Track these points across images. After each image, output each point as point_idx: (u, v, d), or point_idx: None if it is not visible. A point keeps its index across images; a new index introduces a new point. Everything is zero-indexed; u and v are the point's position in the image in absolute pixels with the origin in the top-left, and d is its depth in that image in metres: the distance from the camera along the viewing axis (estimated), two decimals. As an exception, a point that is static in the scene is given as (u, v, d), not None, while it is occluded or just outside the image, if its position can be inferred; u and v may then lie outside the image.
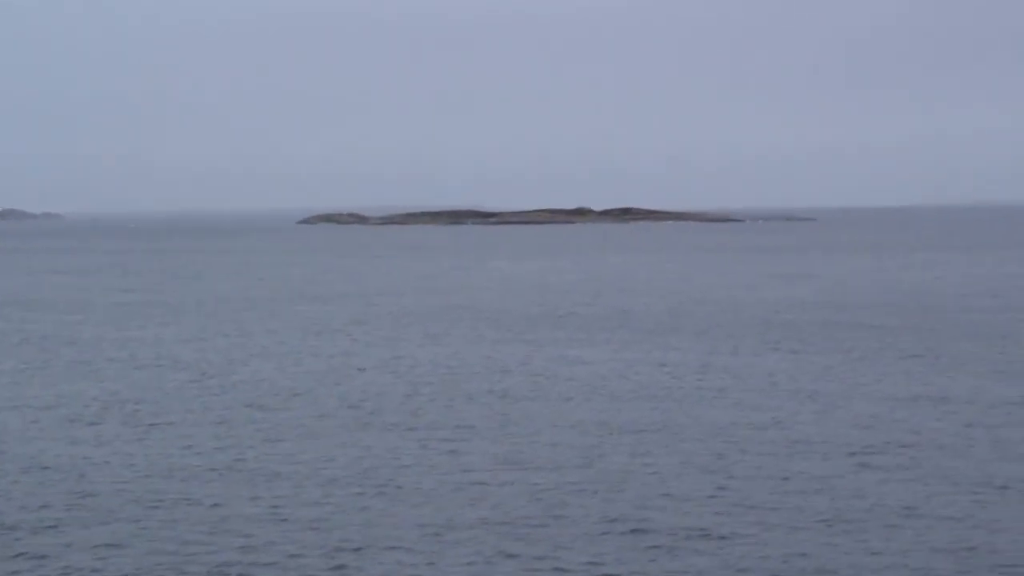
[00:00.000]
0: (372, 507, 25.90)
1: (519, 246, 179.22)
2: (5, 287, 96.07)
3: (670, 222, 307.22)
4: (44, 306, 76.95)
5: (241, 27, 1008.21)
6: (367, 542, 23.41)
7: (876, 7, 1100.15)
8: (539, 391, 40.84)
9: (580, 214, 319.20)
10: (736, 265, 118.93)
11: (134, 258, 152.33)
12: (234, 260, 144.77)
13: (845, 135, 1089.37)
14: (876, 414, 35.83)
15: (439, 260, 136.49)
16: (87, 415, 36.98)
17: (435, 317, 66.99)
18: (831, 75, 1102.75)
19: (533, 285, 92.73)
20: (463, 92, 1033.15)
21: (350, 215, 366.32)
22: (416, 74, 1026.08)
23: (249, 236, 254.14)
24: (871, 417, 35.32)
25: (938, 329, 58.30)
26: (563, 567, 22.00)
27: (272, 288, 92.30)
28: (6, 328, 63.00)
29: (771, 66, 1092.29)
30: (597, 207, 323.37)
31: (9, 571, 22.04)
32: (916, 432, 33.07)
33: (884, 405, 37.31)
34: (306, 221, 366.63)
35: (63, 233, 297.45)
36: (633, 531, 24.04)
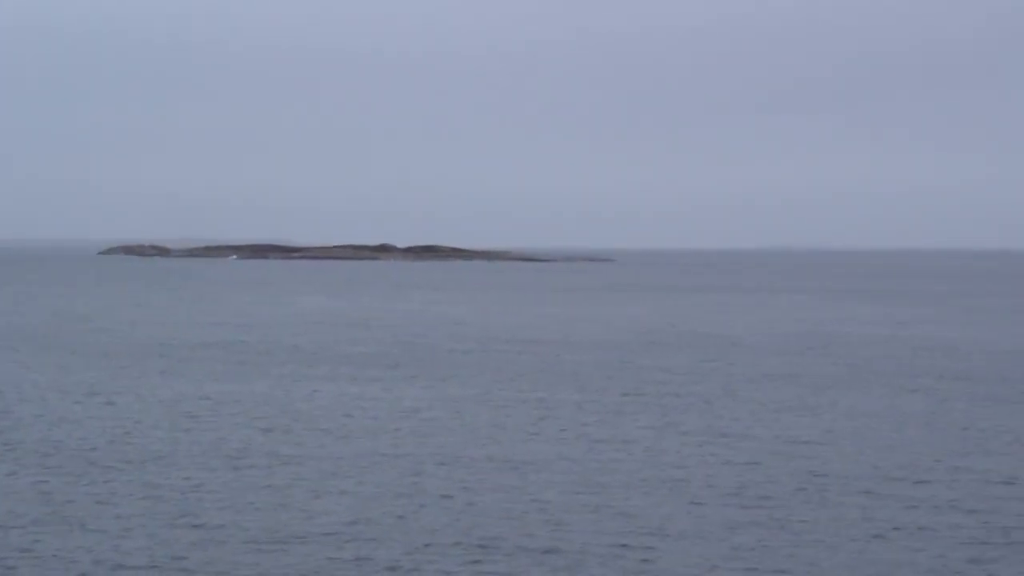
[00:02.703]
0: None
1: (318, 281, 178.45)
2: None
3: (475, 260, 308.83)
4: None
5: (49, 59, 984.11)
6: None
7: (693, 46, 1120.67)
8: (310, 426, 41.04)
9: (384, 250, 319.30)
10: (521, 304, 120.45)
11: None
12: (17, 292, 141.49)
13: (648, 178, 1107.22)
14: (663, 450, 36.76)
15: (233, 296, 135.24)
16: None
17: (200, 352, 66.55)
18: (642, 118, 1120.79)
19: (320, 321, 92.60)
20: (269, 126, 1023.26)
21: (152, 247, 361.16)
22: (218, 107, 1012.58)
23: (42, 268, 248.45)
24: (652, 451, 36.24)
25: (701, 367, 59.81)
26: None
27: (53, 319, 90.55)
28: None
29: (585, 108, 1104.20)
30: (401, 244, 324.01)
31: None
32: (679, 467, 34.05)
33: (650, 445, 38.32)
34: (107, 252, 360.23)
35: None
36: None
